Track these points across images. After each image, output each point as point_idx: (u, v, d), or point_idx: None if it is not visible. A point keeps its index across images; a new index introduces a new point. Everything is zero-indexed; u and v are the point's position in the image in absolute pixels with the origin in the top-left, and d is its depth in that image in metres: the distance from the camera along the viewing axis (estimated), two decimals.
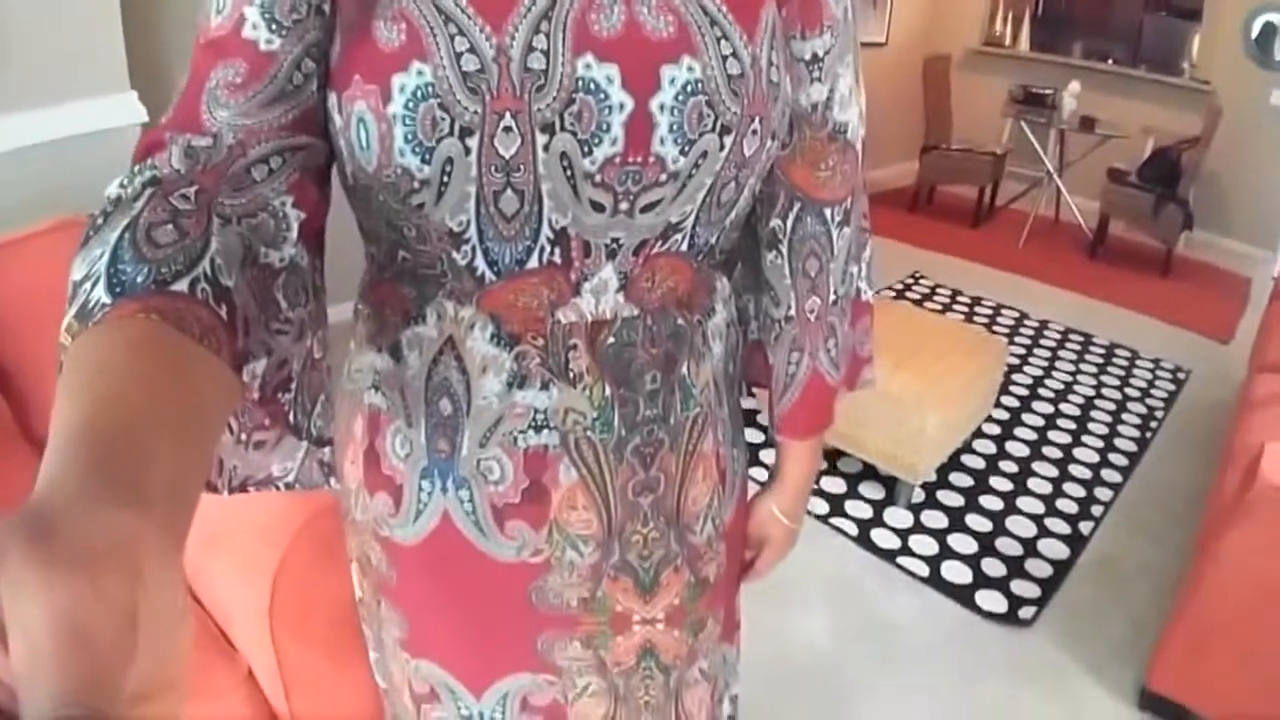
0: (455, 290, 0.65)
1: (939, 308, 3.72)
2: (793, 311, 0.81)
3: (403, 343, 0.68)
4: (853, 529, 2.39)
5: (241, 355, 0.45)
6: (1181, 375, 3.29)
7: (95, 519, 0.28)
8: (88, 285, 0.42)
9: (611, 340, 0.68)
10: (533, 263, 0.63)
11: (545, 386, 0.68)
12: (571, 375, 0.68)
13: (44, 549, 0.25)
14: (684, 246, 0.67)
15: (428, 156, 0.56)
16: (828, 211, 0.78)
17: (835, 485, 2.55)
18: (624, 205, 0.61)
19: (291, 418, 0.54)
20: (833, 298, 0.82)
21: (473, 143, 0.56)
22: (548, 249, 0.62)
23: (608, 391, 0.69)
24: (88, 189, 0.76)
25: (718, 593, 0.85)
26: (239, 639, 1.24)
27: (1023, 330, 3.57)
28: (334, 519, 1.13)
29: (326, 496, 1.10)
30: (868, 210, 0.85)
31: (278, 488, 0.56)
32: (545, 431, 0.69)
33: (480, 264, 0.63)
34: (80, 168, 1.74)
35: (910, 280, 3.98)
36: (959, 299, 3.82)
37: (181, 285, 0.42)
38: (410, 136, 0.55)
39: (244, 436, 0.56)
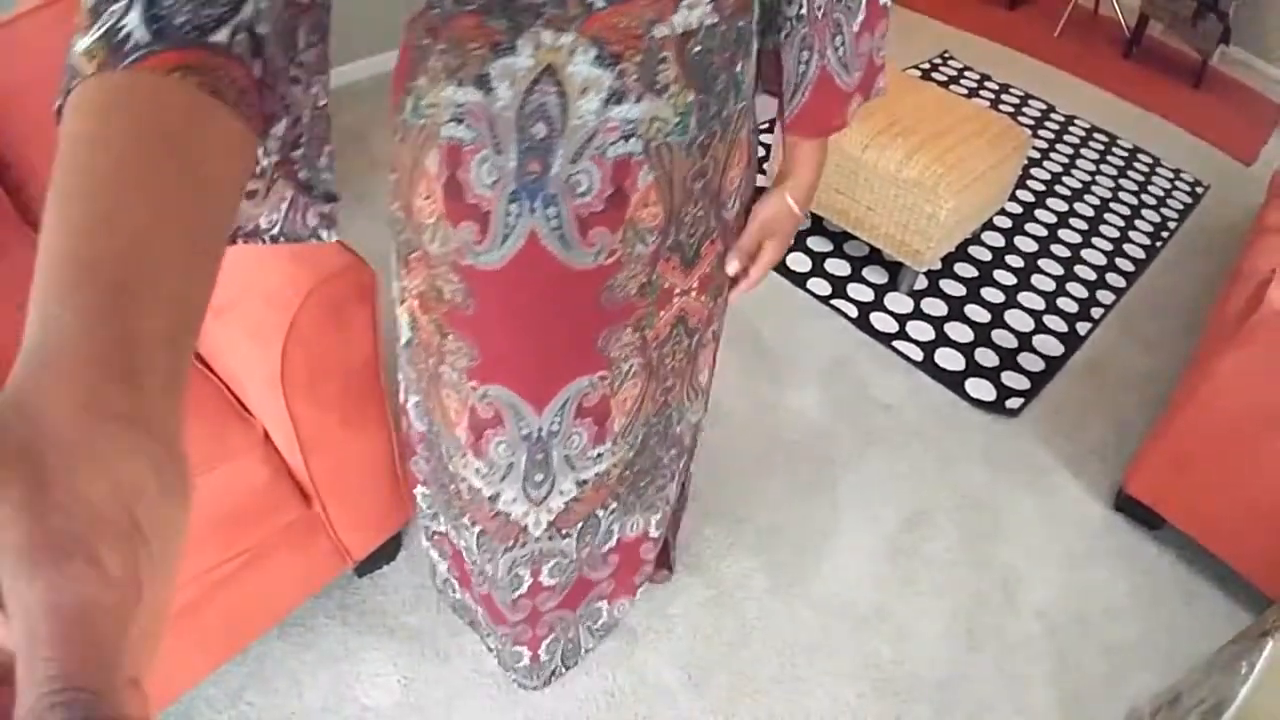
0: (555, 19, 0.66)
1: (965, 91, 3.51)
2: (804, 10, 0.83)
3: (491, 75, 0.69)
4: (853, 311, 2.35)
5: (269, 120, 0.44)
6: (1200, 189, 3.19)
7: (95, 463, 0.25)
8: (114, 9, 0.37)
9: (697, 49, 0.73)
10: None
11: (638, 99, 0.71)
12: (658, 86, 0.72)
13: (41, 525, 0.23)
14: None
15: None
16: None
17: (840, 267, 2.48)
18: None
19: (302, 175, 0.52)
20: None
21: None
22: None
23: (690, 98, 0.75)
24: None
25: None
26: (253, 404, 1.23)
27: (1048, 124, 3.40)
28: (342, 284, 1.11)
29: (334, 261, 1.10)
30: None
31: (264, 240, 0.51)
32: (631, 140, 0.73)
33: None
34: None
35: (938, 60, 3.73)
36: (987, 84, 3.61)
37: (222, 35, 0.38)
38: None
39: None
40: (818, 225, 2.60)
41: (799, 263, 2.48)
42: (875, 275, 2.47)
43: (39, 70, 1.24)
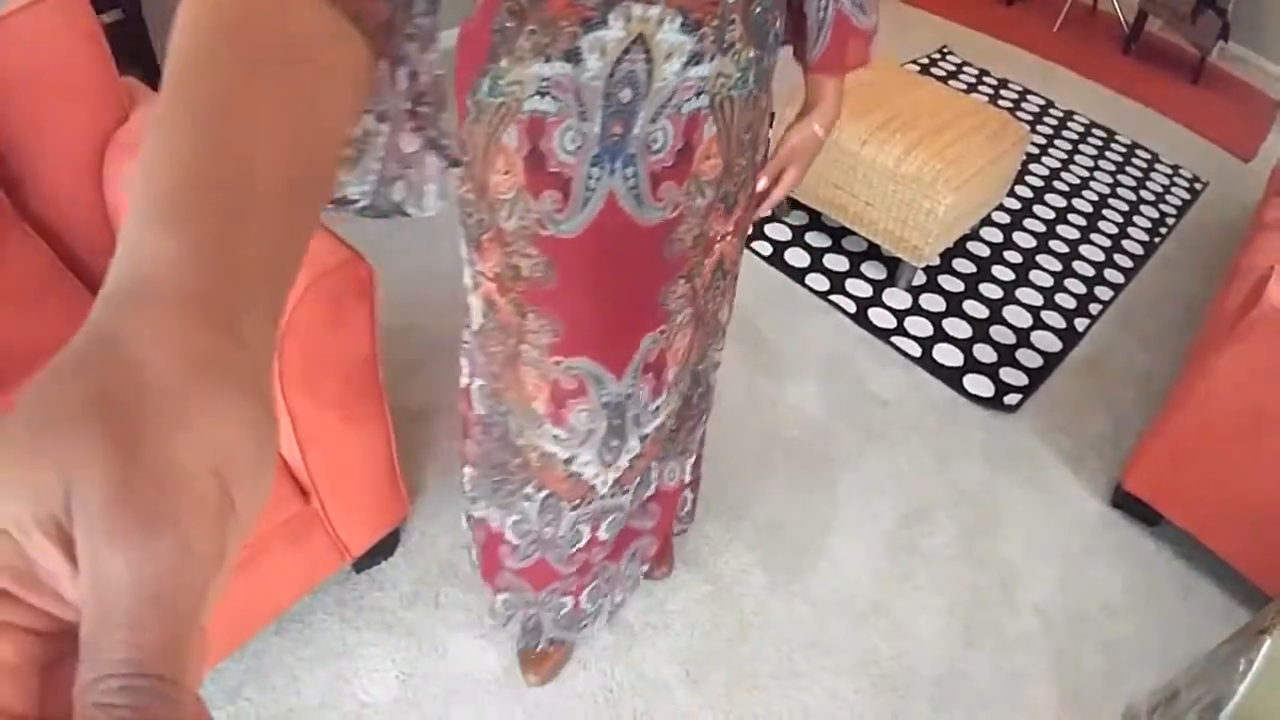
0: None
1: (964, 86, 3.51)
2: None
3: (582, 49, 0.74)
4: (851, 306, 2.35)
5: (394, 60, 0.43)
6: (1198, 186, 3.19)
7: (192, 425, 0.23)
8: None
9: (759, 9, 0.80)
10: None
11: (711, 59, 0.78)
12: (726, 44, 0.79)
13: (129, 495, 0.22)
14: None
15: None
16: None
17: (838, 263, 2.48)
18: None
19: (430, 133, 0.53)
20: None
21: None
22: None
23: (750, 54, 0.82)
24: None
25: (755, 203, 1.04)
26: None
27: (1046, 119, 3.40)
28: (340, 279, 1.10)
29: (331, 256, 1.09)
30: None
31: (350, 212, 0.51)
32: (701, 96, 0.80)
33: None
34: None
35: (937, 55, 3.73)
36: (985, 79, 3.60)
37: None
38: None
39: None
40: (816, 221, 2.60)
41: (797, 258, 2.47)
42: (874, 271, 2.47)
43: (34, 65, 1.24)
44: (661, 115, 0.79)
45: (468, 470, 1.27)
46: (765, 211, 1.05)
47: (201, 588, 0.23)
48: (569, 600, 1.39)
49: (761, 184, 1.01)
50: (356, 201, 0.52)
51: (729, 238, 1.00)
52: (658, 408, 1.08)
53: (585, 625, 1.47)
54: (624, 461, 1.12)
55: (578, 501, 1.17)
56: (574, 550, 1.26)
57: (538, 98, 0.77)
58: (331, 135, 0.35)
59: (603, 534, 1.26)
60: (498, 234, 0.89)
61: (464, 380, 1.16)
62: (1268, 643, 0.80)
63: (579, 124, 0.78)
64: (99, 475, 0.21)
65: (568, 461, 1.10)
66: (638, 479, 1.20)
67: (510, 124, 0.79)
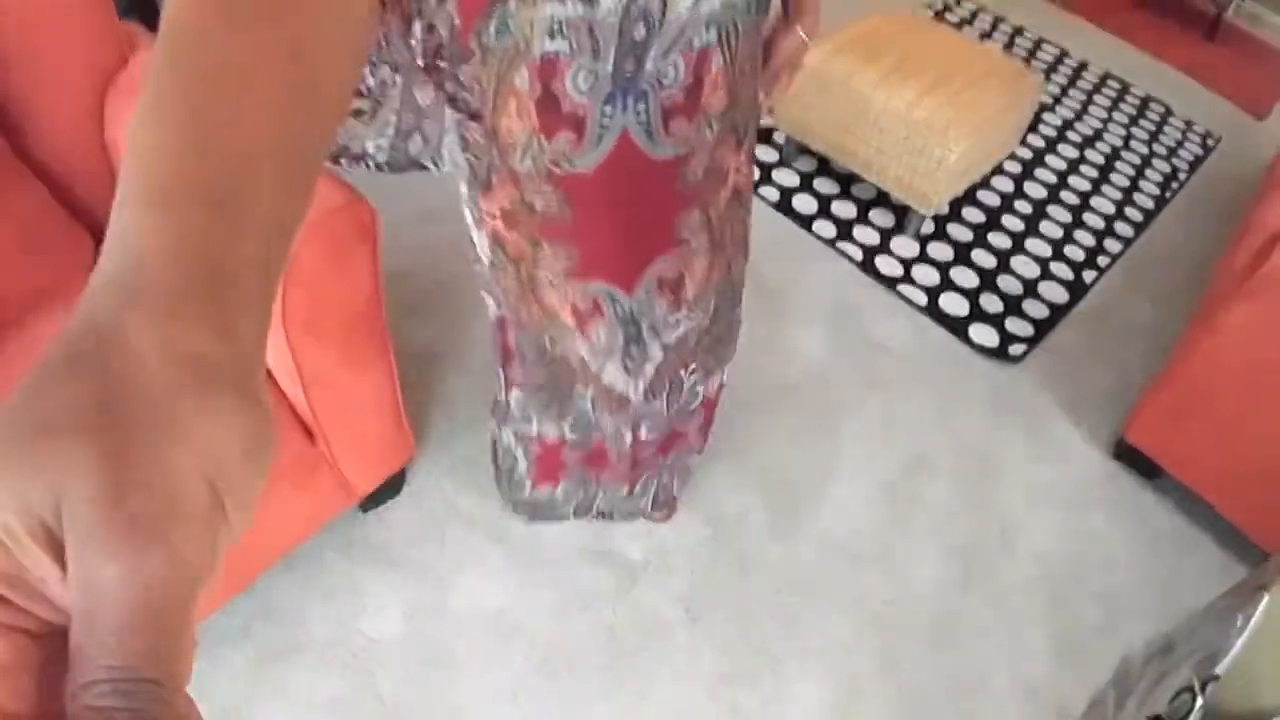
0: None
1: (978, 34, 3.44)
2: None
3: None
4: (858, 254, 2.33)
5: (408, 15, 0.43)
6: (1211, 142, 3.14)
7: (182, 429, 0.23)
8: None
9: None
10: None
11: None
12: None
13: (121, 508, 0.22)
14: None
15: None
16: None
17: (846, 210, 2.46)
18: None
19: (449, 87, 0.53)
20: None
21: None
22: None
23: None
24: None
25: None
26: None
27: (1060, 69, 3.34)
28: (341, 221, 1.09)
29: (332, 198, 1.07)
30: None
31: (369, 166, 0.50)
32: (711, 30, 0.79)
33: None
34: None
35: (952, 1, 3.65)
36: (1000, 26, 3.53)
37: None
38: None
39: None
40: (825, 167, 2.57)
41: (805, 204, 2.45)
42: (882, 218, 2.45)
43: (33, 8, 1.20)
44: (673, 50, 0.79)
45: (515, 394, 1.30)
46: (766, 103, 1.05)
47: (192, 595, 0.23)
48: (623, 485, 1.47)
49: (761, 97, 1.01)
50: (374, 156, 0.51)
51: (743, 169, 1.02)
52: (678, 320, 1.11)
53: (641, 508, 1.59)
54: (649, 370, 1.16)
55: (614, 409, 1.22)
56: (620, 448, 1.34)
57: (549, 39, 0.75)
58: (328, 94, 0.34)
59: (644, 435, 1.32)
60: (509, 174, 0.88)
61: (493, 312, 1.18)
62: (1266, 599, 0.80)
63: (591, 63, 0.77)
64: (91, 487, 0.22)
65: (598, 374, 1.15)
66: (667, 387, 1.23)
67: (520, 66, 0.77)
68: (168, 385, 0.24)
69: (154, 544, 0.22)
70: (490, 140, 0.86)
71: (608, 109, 0.81)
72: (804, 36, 1.02)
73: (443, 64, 0.48)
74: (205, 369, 0.25)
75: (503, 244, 0.99)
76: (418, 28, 0.44)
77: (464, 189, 0.97)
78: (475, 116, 0.69)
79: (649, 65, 0.79)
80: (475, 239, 1.03)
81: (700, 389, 1.32)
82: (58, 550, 0.22)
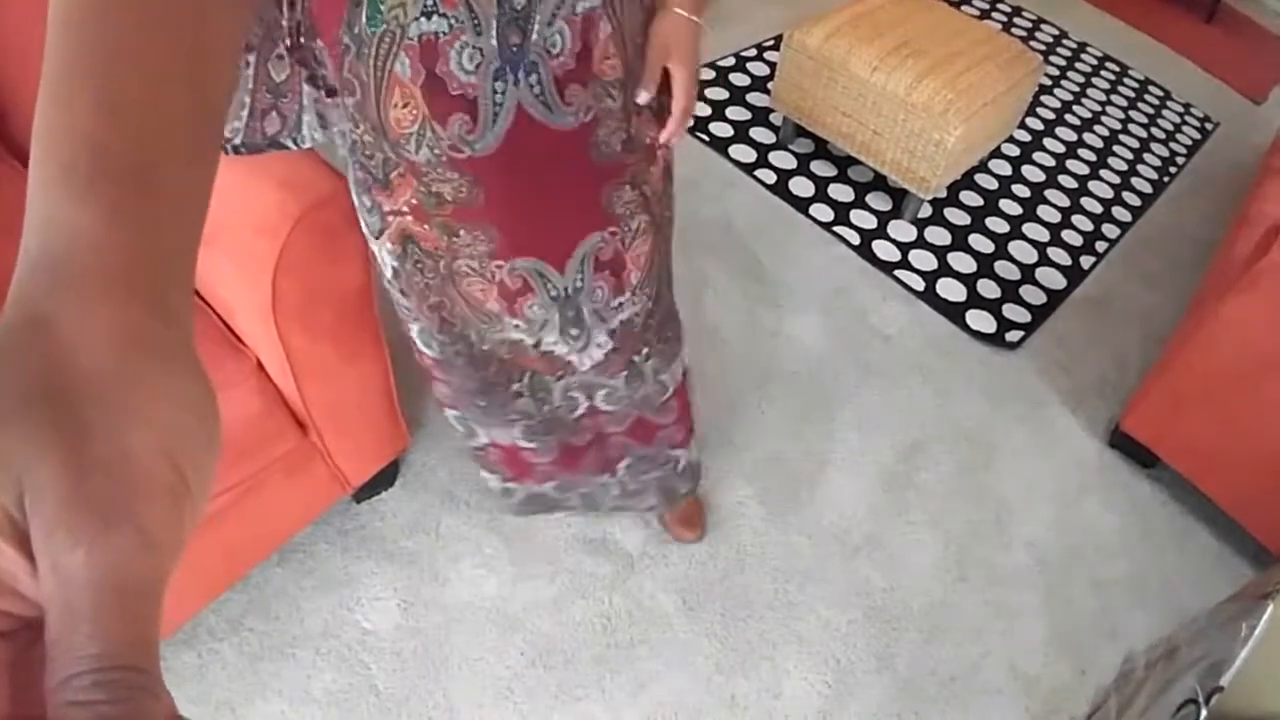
0: None
1: (977, 13, 3.40)
2: None
3: None
4: (855, 238, 2.32)
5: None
6: (1209, 126, 3.12)
7: (137, 409, 0.23)
8: None
9: None
10: None
11: None
12: None
13: (82, 489, 0.21)
14: None
15: None
16: None
17: (843, 193, 2.44)
18: None
19: (312, 63, 0.51)
20: None
21: None
22: None
23: None
24: None
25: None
26: (245, 333, 1.20)
27: (1060, 50, 3.31)
28: (332, 210, 1.07)
29: (321, 187, 1.05)
30: None
31: (227, 150, 0.48)
32: None
33: None
34: None
35: None
36: (999, 6, 3.50)
37: None
38: None
39: None
40: (822, 149, 2.54)
41: (802, 188, 2.43)
42: (879, 202, 2.43)
43: None
44: (557, 18, 0.77)
45: (450, 413, 1.27)
46: (676, 134, 0.97)
47: (164, 573, 0.23)
48: (604, 474, 1.42)
49: (642, 97, 0.92)
50: (229, 139, 0.50)
51: (672, 146, 1.00)
52: (621, 304, 1.07)
53: (639, 502, 1.53)
54: (597, 354, 1.11)
55: (560, 373, 1.16)
56: (577, 415, 1.26)
57: (424, 19, 0.72)
58: (224, 59, 0.34)
59: (601, 404, 1.25)
60: (409, 167, 0.85)
61: (404, 329, 1.12)
62: (1270, 608, 0.80)
63: (474, 39, 0.74)
64: (51, 472, 0.21)
65: (536, 344, 1.09)
66: (624, 371, 1.19)
67: (399, 52, 0.74)
68: (115, 366, 0.24)
69: (120, 523, 0.22)
70: (379, 136, 0.82)
71: (499, 85, 0.78)
72: (683, 13, 0.92)
73: (304, 40, 0.47)
74: (146, 345, 0.25)
75: (417, 240, 0.94)
76: (284, 2, 0.43)
77: (358, 198, 0.93)
78: (333, 92, 0.66)
79: (534, 35, 0.77)
80: (375, 251, 0.99)
81: (665, 378, 1.28)
82: (23, 542, 0.21)
